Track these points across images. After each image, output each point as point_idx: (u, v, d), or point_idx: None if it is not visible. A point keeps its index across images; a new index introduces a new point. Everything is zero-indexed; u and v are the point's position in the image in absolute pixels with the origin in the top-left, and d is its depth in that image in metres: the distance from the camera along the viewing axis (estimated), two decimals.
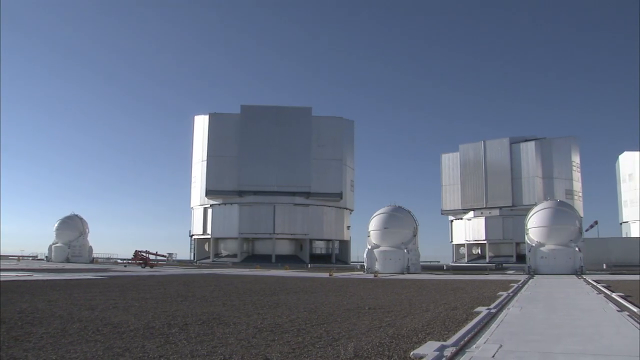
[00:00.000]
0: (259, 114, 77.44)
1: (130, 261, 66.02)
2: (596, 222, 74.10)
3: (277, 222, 75.18)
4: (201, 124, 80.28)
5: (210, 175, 76.63)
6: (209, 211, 78.67)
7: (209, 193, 76.71)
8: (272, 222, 74.95)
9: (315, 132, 76.86)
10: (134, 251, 64.72)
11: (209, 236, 78.52)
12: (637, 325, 12.54)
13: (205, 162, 77.55)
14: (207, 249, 79.85)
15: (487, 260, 73.80)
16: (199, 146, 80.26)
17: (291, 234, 76.67)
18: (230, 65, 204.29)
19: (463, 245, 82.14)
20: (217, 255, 78.72)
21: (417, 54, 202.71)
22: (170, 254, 76.99)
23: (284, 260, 70.59)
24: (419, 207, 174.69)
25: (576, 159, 78.01)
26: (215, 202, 77.87)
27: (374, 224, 52.06)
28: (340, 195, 77.40)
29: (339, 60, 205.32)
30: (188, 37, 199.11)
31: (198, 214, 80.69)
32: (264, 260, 70.85)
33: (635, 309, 15.89)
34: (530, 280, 34.17)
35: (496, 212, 75.81)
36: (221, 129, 77.83)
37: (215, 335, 11.20)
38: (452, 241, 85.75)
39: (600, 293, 22.93)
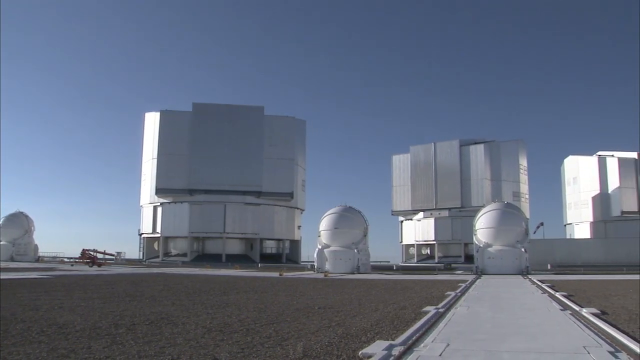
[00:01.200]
0: (211, 112, 76.87)
1: (77, 260, 64.71)
2: (542, 224, 75.91)
3: (228, 222, 74.74)
4: (152, 122, 79.27)
5: (161, 173, 75.75)
6: (159, 210, 77.76)
7: (159, 191, 75.83)
8: (223, 221, 74.48)
9: (267, 131, 76.70)
10: (81, 250, 63.61)
11: (159, 235, 77.62)
12: (579, 323, 12.89)
13: (155, 160, 76.61)
14: (156, 248, 78.88)
15: (436, 260, 74.71)
16: (149, 144, 79.24)
17: (242, 234, 76.34)
18: (182, 62, 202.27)
19: (413, 245, 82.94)
20: (166, 254, 77.86)
21: (369, 56, 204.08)
22: (118, 253, 75.70)
23: (234, 259, 70.21)
24: (369, 208, 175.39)
25: (523, 162, 79.63)
26: (165, 201, 77.02)
27: (324, 224, 52.18)
28: (291, 195, 77.39)
29: (292, 59, 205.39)
30: (139, 34, 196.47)
31: (147, 212, 79.67)
32: (214, 259, 70.34)
33: (577, 308, 16.29)
34: (478, 280, 34.69)
35: (445, 213, 76.80)
36: (172, 127, 77.02)
37: (164, 335, 11.07)
38: (401, 241, 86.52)
39: (544, 293, 23.44)
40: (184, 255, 74.75)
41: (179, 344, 10.04)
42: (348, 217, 52.31)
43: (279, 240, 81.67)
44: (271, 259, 75.82)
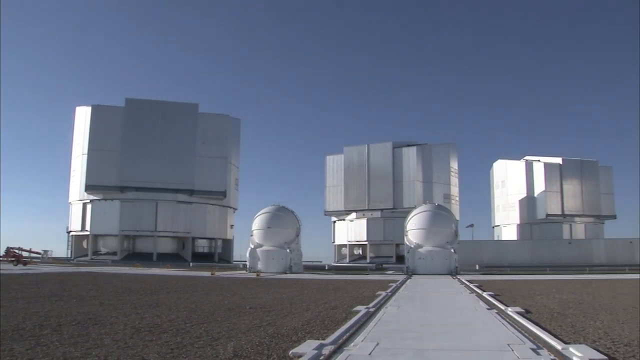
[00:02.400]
0: (144, 108, 75.44)
1: (1, 258, 62.59)
2: (471, 225, 77.71)
3: (160, 220, 73.56)
4: (83, 116, 77.22)
5: (91, 169, 73.87)
6: (89, 207, 75.84)
7: (88, 188, 73.95)
8: (154, 220, 73.27)
9: (201, 129, 75.76)
10: (5, 248, 61.54)
11: (88, 233, 75.74)
12: (504, 322, 13.26)
13: (85, 156, 74.65)
14: (85, 246, 76.88)
15: (368, 260, 75.35)
16: (79, 139, 77.11)
17: (173, 232, 75.26)
18: (116, 57, 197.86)
19: (345, 245, 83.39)
20: (96, 252, 75.99)
21: (305, 57, 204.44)
22: (45, 251, 73.32)
23: (165, 258, 69.17)
24: (302, 208, 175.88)
25: (454, 165, 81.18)
26: (95, 198, 75.15)
27: (257, 223, 52.02)
28: (224, 194, 76.72)
29: (228, 58, 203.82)
30: (73, 25, 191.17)
31: (76, 209, 77.60)
32: (145, 258, 69.12)
33: (503, 307, 16.74)
34: (408, 280, 35.16)
35: (378, 214, 77.53)
36: (104, 122, 75.17)
37: (91, 336, 10.83)
38: (334, 242, 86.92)
39: (472, 292, 23.96)
40: (114, 254, 73.14)
41: (106, 344, 9.85)
42: (281, 217, 52.30)
43: (211, 239, 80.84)
44: (203, 258, 75.01)
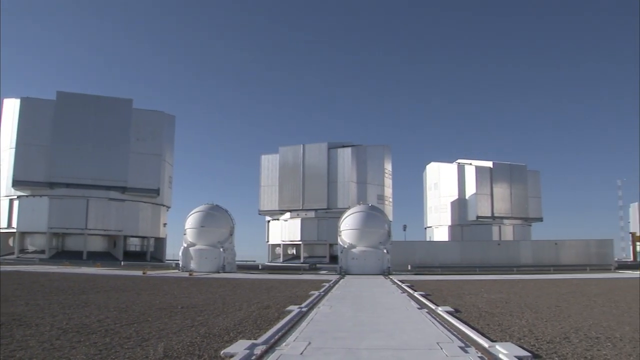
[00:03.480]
0: (76, 102, 73.31)
1: None
2: (405, 226, 78.82)
3: (90, 217, 71.73)
4: (11, 109, 74.63)
5: (19, 164, 71.41)
6: (15, 203, 73.45)
7: (16, 183, 71.50)
8: (85, 217, 71.39)
9: (135, 125, 74.24)
10: None
11: (15, 230, 73.32)
12: (434, 321, 13.51)
13: (13, 150, 72.23)
14: (11, 244, 74.45)
15: (302, 260, 75.38)
16: (7, 132, 74.35)
17: (105, 230, 73.49)
18: (47, 49, 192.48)
19: (279, 245, 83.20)
20: (22, 250, 73.48)
21: (242, 54, 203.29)
22: None
23: (96, 257, 67.56)
24: (237, 207, 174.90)
25: (388, 167, 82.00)
26: (22, 194, 72.79)
27: (190, 222, 51.45)
28: (157, 192, 75.43)
29: (163, 53, 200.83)
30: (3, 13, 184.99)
31: (3, 206, 74.87)
32: (74, 256, 67.28)
33: (433, 306, 17.05)
34: (341, 280, 35.35)
35: (312, 214, 77.65)
36: (33, 116, 72.73)
37: (15, 337, 10.51)
38: (268, 241, 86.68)
39: (404, 292, 24.30)
40: (42, 252, 70.90)
41: (31, 346, 9.60)
42: (214, 216, 51.86)
43: (143, 237, 79.40)
44: (135, 257, 73.59)
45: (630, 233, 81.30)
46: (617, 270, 54.24)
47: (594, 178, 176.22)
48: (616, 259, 67.77)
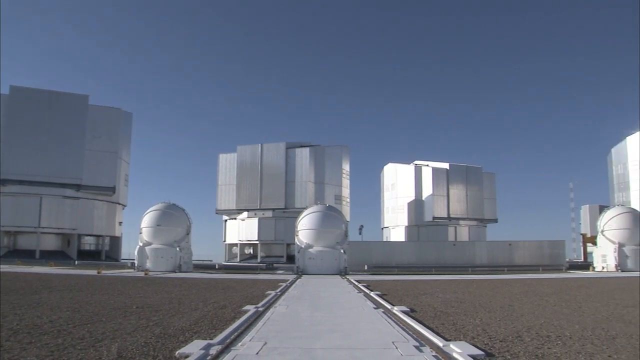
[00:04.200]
0: (30, 97, 71.71)
1: None
2: (362, 227, 79.18)
3: (44, 215, 70.32)
4: None
5: None
6: None
7: None
8: (38, 215, 69.96)
9: (91, 121, 72.99)
10: None
11: None
12: (390, 320, 13.61)
13: None
14: None
15: (259, 260, 75.13)
16: None
17: (58, 229, 72.14)
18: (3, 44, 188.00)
19: (236, 244, 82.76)
20: None
21: (198, 55, 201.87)
22: None
23: (49, 256, 66.27)
24: (194, 206, 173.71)
25: (346, 167, 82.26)
26: None
27: (146, 220, 50.88)
28: (113, 190, 74.35)
29: (123, 50, 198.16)
30: None
31: None
32: (27, 255, 65.86)
33: (389, 306, 17.17)
34: (298, 280, 35.36)
35: (269, 214, 77.46)
36: None
37: None
38: (225, 240, 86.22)
39: (360, 292, 24.42)
40: None
41: None
42: (171, 215, 51.39)
43: (98, 236, 78.16)
44: (90, 256, 72.38)
45: (581, 234, 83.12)
46: (568, 271, 55.42)
47: (548, 181, 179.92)
48: (568, 259, 69.20)
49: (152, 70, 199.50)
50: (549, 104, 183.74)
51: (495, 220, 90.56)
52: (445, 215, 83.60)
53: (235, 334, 11.05)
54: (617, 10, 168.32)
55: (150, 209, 51.96)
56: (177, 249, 49.20)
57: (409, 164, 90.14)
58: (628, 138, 76.50)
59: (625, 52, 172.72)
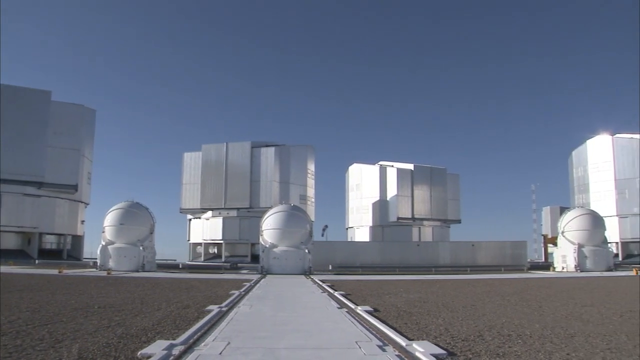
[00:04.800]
0: None
1: None
2: (326, 227, 79.31)
3: (3, 213, 68.92)
4: None
5: None
6: None
7: None
8: None
9: (53, 118, 71.81)
10: None
11: None
12: (354, 320, 13.68)
13: None
14: None
15: (223, 259, 74.75)
16: None
17: (18, 227, 70.83)
18: None
19: (200, 244, 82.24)
20: None
21: (163, 53, 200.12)
22: None
23: (9, 255, 64.96)
24: (158, 205, 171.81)
25: (311, 167, 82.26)
26: None
27: (109, 219, 50.31)
28: (75, 187, 73.29)
29: (86, 49, 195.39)
30: None
31: None
32: None
33: (353, 306, 17.24)
34: (262, 280, 35.28)
35: (234, 213, 77.16)
36: None
37: None
38: (189, 240, 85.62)
39: (324, 292, 24.47)
40: None
41: None
42: (134, 213, 50.91)
43: (60, 235, 76.94)
44: (51, 255, 71.21)
45: (543, 235, 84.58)
46: (529, 271, 56.26)
47: (510, 182, 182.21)
48: (529, 260, 70.34)
49: (116, 68, 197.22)
50: (513, 106, 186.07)
51: (459, 221, 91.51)
52: (410, 216, 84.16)
53: (199, 334, 11.01)
54: (583, 10, 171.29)
55: (114, 207, 51.41)
56: (141, 248, 48.77)
57: (374, 164, 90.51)
58: (588, 141, 78.01)
59: (589, 54, 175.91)
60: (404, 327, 12.96)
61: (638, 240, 71.88)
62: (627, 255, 72.12)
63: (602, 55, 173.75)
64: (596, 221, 56.83)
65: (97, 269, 48.29)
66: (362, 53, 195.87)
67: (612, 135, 75.46)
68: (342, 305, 17.89)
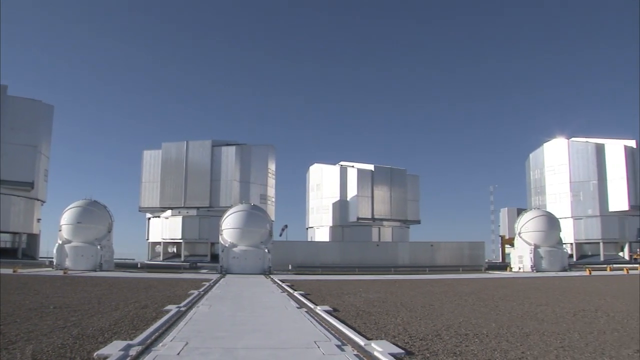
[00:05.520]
0: None
1: None
2: (286, 226, 79.21)
3: None
4: None
5: None
6: None
7: None
8: None
9: (9, 113, 70.33)
10: None
11: None
12: (313, 320, 13.72)
13: None
14: None
15: (182, 259, 74.19)
16: None
17: None
18: None
19: (159, 243, 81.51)
20: None
21: (124, 50, 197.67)
22: None
23: None
24: (116, 203, 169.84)
25: (272, 167, 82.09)
26: None
27: (66, 217, 49.57)
28: (31, 185, 71.92)
29: (44, 44, 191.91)
30: None
31: None
32: None
33: (312, 306, 17.28)
34: (222, 280, 35.13)
35: (194, 212, 76.61)
36: None
37: None
38: (148, 239, 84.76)
39: (284, 292, 24.49)
40: None
41: None
42: (92, 212, 50.25)
43: (15, 233, 75.35)
44: (5, 254, 69.66)
45: (500, 236, 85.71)
46: (487, 271, 57.10)
47: (470, 184, 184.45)
48: (487, 260, 71.30)
49: (75, 65, 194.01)
50: (473, 108, 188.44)
51: (418, 222, 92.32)
52: (369, 216, 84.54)
53: (157, 334, 10.93)
54: (543, 10, 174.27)
55: (71, 205, 50.69)
56: (98, 247, 48.17)
57: (334, 164, 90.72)
58: (545, 144, 79.54)
59: (550, 58, 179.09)
60: (362, 326, 13.04)
61: (592, 241, 73.61)
62: (581, 256, 73.79)
63: (563, 59, 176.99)
64: (552, 222, 57.93)
65: (53, 268, 47.47)
66: (323, 52, 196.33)
67: (568, 139, 77.10)
68: (301, 305, 17.92)
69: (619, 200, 71.85)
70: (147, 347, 9.37)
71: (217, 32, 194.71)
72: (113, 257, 52.16)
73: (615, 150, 73.49)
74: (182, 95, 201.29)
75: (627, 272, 47.80)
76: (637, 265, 60.75)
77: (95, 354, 8.94)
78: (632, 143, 73.81)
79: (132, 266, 59.31)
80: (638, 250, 69.68)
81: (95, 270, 45.79)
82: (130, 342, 9.82)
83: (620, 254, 73.26)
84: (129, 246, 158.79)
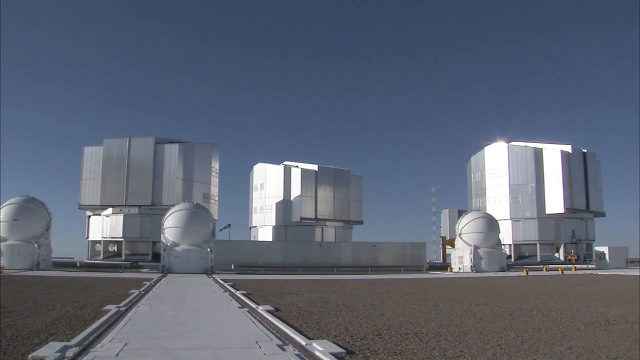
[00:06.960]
0: None
1: None
2: (229, 225, 78.80)
3: None
4: None
5: None
6: None
7: None
8: None
9: None
10: None
11: None
12: (254, 320, 13.72)
13: None
14: None
15: (123, 258, 73.04)
16: None
17: None
18: None
19: (99, 241, 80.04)
20: None
21: (66, 46, 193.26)
22: None
23: None
24: (55, 201, 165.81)
25: (216, 165, 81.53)
26: None
27: (2, 215, 48.30)
28: None
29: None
30: None
31: None
32: None
33: (254, 305, 17.27)
34: (163, 279, 34.78)
35: (135, 210, 75.46)
36: None
37: None
38: (88, 237, 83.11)
39: (226, 291, 24.40)
40: None
41: None
42: (29, 209, 49.10)
43: None
44: None
45: (441, 237, 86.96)
46: (428, 271, 57.94)
47: (412, 185, 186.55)
48: (428, 260, 72.46)
49: (14, 57, 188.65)
50: (417, 110, 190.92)
51: (361, 222, 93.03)
52: (313, 216, 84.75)
53: (95, 335, 10.76)
54: (493, 13, 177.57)
55: (7, 202, 49.50)
56: (36, 245, 47.12)
57: (278, 164, 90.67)
58: (486, 148, 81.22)
59: (492, 61, 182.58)
60: (304, 326, 13.10)
61: (529, 242, 75.59)
62: (519, 257, 75.65)
63: (505, 63, 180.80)
64: (491, 224, 59.21)
65: None
66: (267, 49, 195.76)
67: (508, 143, 78.92)
68: (243, 304, 17.89)
69: (555, 203, 73.95)
70: (84, 349, 9.21)
71: (161, 25, 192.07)
72: (51, 256, 51.09)
73: (553, 155, 75.67)
74: (124, 91, 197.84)
75: (562, 272, 49.39)
76: (572, 265, 62.80)
77: (31, 355, 8.75)
78: (568, 148, 76.18)
79: (71, 265, 58.17)
80: (572, 251, 72.03)
81: (32, 270, 44.79)
82: (67, 343, 9.64)
83: (556, 255, 75.50)
84: (67, 245, 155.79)
